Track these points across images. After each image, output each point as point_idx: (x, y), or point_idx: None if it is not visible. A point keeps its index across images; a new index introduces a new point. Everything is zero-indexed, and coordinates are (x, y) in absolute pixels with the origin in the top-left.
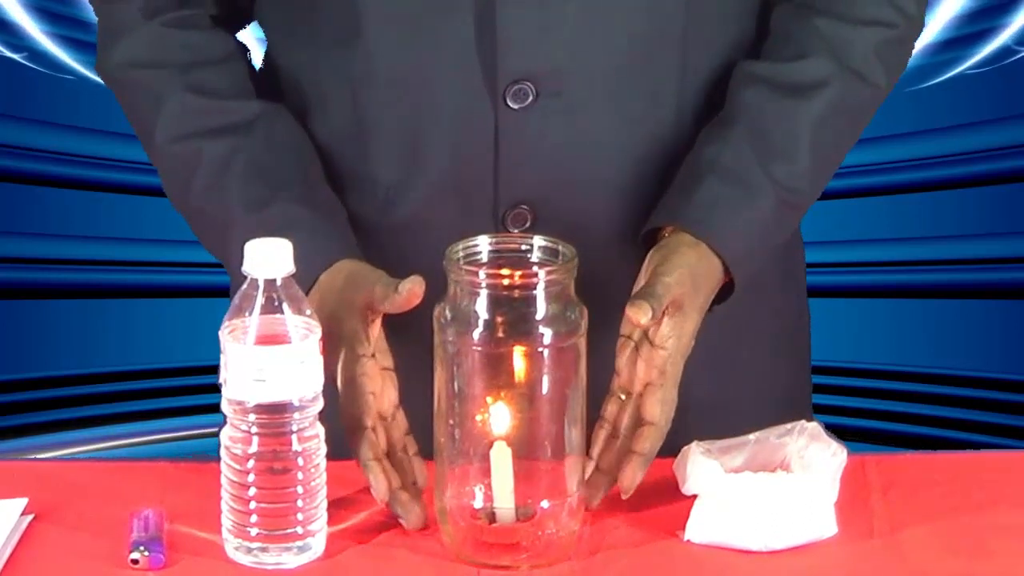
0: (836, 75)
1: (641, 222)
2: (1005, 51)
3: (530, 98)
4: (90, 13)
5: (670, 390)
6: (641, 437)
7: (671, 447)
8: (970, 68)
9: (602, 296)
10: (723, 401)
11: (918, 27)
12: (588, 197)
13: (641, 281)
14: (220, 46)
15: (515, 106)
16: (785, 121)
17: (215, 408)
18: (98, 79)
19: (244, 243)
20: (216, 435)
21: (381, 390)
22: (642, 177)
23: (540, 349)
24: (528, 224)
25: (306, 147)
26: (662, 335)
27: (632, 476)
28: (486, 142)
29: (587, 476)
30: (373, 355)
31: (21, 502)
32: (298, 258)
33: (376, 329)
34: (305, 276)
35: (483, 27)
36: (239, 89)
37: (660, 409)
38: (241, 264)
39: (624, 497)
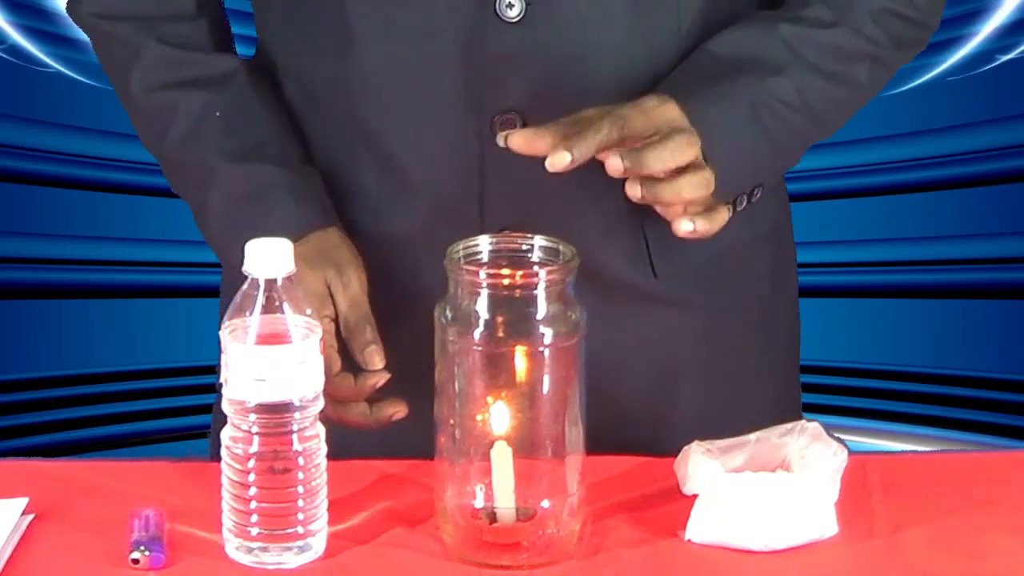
0: (834, 23)
1: (633, 239)
2: (986, 56)
3: (517, 127)
4: (55, 5)
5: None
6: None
7: (670, 448)
8: (955, 74)
9: (599, 305)
10: (715, 410)
11: (924, 11)
12: (573, 220)
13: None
14: (190, 1)
15: None
16: (780, 44)
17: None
18: (98, 80)
19: (225, 193)
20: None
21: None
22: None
23: (541, 349)
24: None
25: (281, 106)
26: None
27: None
28: (473, 168)
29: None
30: (334, 320)
31: (21, 502)
32: (276, 219)
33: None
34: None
35: (471, 55)
36: (212, 43)
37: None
38: (219, 211)
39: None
